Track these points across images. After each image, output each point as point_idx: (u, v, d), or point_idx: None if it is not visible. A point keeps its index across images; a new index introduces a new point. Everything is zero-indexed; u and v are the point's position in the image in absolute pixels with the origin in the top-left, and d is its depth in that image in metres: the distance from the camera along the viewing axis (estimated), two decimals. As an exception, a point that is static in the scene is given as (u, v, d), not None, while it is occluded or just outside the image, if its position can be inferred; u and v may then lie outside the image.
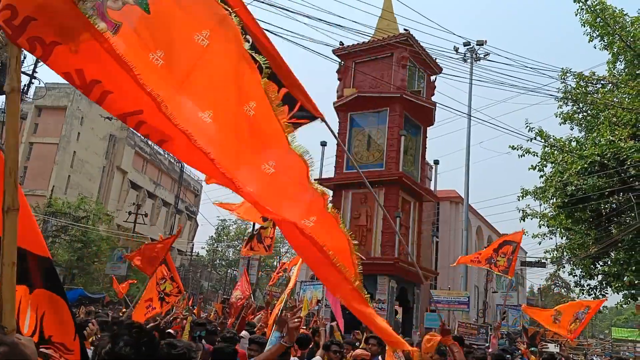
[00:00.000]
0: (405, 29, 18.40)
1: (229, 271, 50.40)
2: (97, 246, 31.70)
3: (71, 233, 30.72)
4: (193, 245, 53.25)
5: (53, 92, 37.02)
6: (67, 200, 32.94)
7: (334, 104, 19.02)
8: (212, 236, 55.81)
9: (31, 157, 39.08)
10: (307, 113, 2.64)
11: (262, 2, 9.29)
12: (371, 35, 18.68)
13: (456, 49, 23.39)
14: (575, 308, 9.63)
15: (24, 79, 11.34)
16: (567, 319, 9.39)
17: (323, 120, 2.69)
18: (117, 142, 44.06)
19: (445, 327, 4.75)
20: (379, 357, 5.55)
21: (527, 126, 16.93)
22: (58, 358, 1.99)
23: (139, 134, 2.39)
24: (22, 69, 7.82)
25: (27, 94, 10.74)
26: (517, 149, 17.02)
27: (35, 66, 10.95)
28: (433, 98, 19.89)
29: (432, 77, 20.13)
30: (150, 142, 51.50)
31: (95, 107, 41.24)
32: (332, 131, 2.92)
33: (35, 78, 12.18)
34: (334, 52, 18.79)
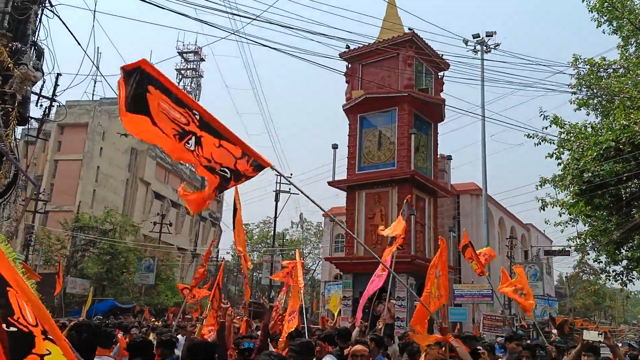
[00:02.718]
0: (410, 29, 18.48)
1: (254, 275, 50.94)
2: (125, 257, 32.42)
3: (99, 246, 31.50)
4: (218, 250, 53.96)
5: (74, 109, 37.96)
6: (93, 215, 33.78)
7: (343, 106, 19.21)
8: (236, 241, 56.31)
9: (57, 175, 40.17)
10: (257, 164, 3.77)
11: (265, 21, 9.56)
12: (376, 37, 18.81)
13: (465, 41, 23.31)
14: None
15: (45, 103, 11.75)
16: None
17: (273, 168, 3.82)
18: (139, 155, 44.96)
19: (442, 326, 4.88)
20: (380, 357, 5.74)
21: (541, 114, 16.87)
22: None
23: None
24: (42, 93, 8.22)
25: (48, 116, 11.20)
26: (533, 138, 16.95)
27: (55, 89, 11.40)
28: (442, 94, 19.93)
29: (440, 73, 20.13)
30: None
31: (116, 122, 42.18)
32: (286, 178, 3.75)
33: (55, 100, 12.66)
34: (340, 55, 18.96)
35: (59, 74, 14.01)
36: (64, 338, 2.00)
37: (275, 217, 36.18)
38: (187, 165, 53.73)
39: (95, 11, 8.27)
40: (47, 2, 7.07)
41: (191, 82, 58.34)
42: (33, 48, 6.71)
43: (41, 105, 10.38)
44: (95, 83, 39.95)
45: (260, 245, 52.95)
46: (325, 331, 7.85)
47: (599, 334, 5.08)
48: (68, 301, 27.59)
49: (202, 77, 58.83)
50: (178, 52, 56.90)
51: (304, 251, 49.65)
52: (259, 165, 3.74)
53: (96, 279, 30.80)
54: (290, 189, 33.67)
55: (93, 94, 40.02)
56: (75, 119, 39.23)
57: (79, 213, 33.74)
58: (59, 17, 7.54)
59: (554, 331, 19.58)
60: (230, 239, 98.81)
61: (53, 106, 13.55)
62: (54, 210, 37.03)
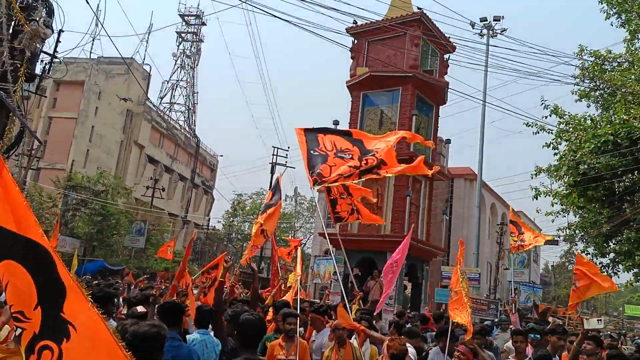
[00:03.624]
0: (418, 8, 18.27)
1: (244, 245, 51.25)
2: (116, 219, 32.45)
3: (91, 206, 31.47)
4: (209, 219, 54.09)
5: (71, 66, 37.34)
6: (86, 175, 33.63)
7: (346, 82, 19.09)
8: (227, 210, 56.62)
9: (50, 132, 39.82)
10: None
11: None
12: (384, 15, 18.59)
13: (472, 24, 23.13)
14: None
15: (45, 59, 11.59)
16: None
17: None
18: (135, 117, 44.57)
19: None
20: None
21: (542, 103, 16.89)
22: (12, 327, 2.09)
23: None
24: (44, 49, 8.12)
25: (49, 73, 11.06)
26: (532, 126, 17.00)
27: (56, 46, 11.22)
28: (446, 77, 19.85)
29: (445, 56, 20.01)
30: (167, 117, 51.97)
31: (113, 82, 41.68)
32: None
33: (56, 57, 12.48)
34: (347, 30, 18.76)
35: (61, 30, 13.78)
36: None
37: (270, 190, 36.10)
38: (181, 130, 53.44)
39: (107, -30, 8.08)
40: (58, -43, 6.93)
41: (191, 46, 57.55)
42: (45, 4, 6.60)
43: (42, 61, 10.24)
44: (93, 41, 39.31)
45: (252, 217, 53.13)
46: (319, 304, 7.99)
47: (598, 320, 5.10)
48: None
49: (203, 41, 58.02)
50: (179, 14, 55.95)
51: (296, 225, 49.88)
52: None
53: (86, 239, 30.85)
54: (286, 162, 33.64)
55: (91, 52, 39.45)
56: (72, 77, 38.68)
57: (71, 172, 33.59)
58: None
59: (536, 317, 19.98)
60: (221, 208, 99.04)
61: (54, 63, 13.37)
62: (46, 168, 36.81)
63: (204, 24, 57.08)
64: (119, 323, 4.38)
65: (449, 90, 19.43)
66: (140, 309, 5.28)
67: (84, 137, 39.99)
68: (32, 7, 6.29)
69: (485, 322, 12.05)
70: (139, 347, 2.41)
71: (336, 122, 18.96)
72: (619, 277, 18.03)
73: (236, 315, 4.61)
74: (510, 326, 13.12)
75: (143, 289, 10.36)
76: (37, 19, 6.29)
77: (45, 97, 30.48)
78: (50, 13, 6.80)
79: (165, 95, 57.86)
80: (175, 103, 58.00)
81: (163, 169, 48.15)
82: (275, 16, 14.15)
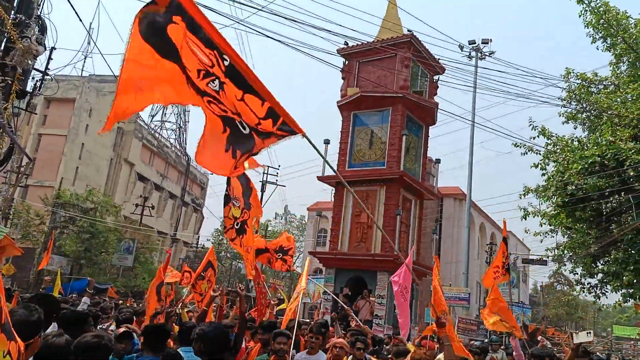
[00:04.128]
0: (408, 30, 18.56)
1: (233, 263, 50.88)
2: (105, 237, 32.12)
3: (79, 224, 31.16)
4: (199, 237, 53.72)
5: (62, 84, 37.20)
6: (75, 192, 33.37)
7: (337, 102, 19.26)
8: (217, 229, 56.26)
9: (40, 149, 39.56)
10: (288, 128, 3.21)
11: (269, 13, 9.55)
12: (375, 36, 18.85)
13: (461, 47, 23.52)
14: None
15: (37, 76, 11.64)
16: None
17: (304, 136, 3.22)
18: (125, 135, 44.46)
19: (440, 321, 4.94)
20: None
21: (530, 124, 17.11)
22: None
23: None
24: (35, 66, 8.14)
25: (40, 90, 11.06)
26: (520, 147, 17.20)
27: (48, 63, 11.24)
28: (436, 98, 20.09)
29: (435, 77, 20.28)
30: (157, 135, 51.91)
31: (104, 100, 41.64)
32: (314, 146, 3.35)
33: (47, 74, 12.50)
34: (338, 51, 18.98)
35: (53, 48, 13.81)
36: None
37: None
38: (172, 148, 53.35)
39: (101, -11, 8.14)
40: (52, -24, 7.00)
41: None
42: (37, 22, 6.63)
43: (33, 78, 10.25)
44: (85, 59, 39.38)
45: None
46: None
47: (587, 333, 5.05)
48: (43, 277, 27.30)
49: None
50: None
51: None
52: (290, 129, 3.21)
53: (74, 257, 30.48)
54: (277, 180, 33.65)
55: (82, 70, 39.46)
56: (63, 94, 38.58)
57: (60, 189, 33.32)
58: (62, -9, 7.43)
59: (525, 338, 19.94)
60: (211, 226, 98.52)
61: (45, 80, 13.38)
62: (34, 185, 36.50)
63: (196, 43, 57.30)
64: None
65: (439, 110, 19.66)
66: (122, 329, 5.18)
67: (74, 155, 39.77)
68: (24, 24, 6.32)
69: (475, 343, 12.02)
70: (81, 357, 2.40)
71: (327, 141, 19.08)
72: (607, 297, 18.11)
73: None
74: (502, 347, 13.10)
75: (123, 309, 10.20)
76: (30, 36, 6.32)
77: (36, 114, 30.37)
78: (43, 30, 6.83)
79: (157, 113, 57.93)
80: (166, 121, 58.04)
81: (153, 186, 47.92)
82: (268, 36, 14.28)
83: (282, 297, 19.42)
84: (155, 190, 48.13)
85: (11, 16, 6.15)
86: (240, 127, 3.27)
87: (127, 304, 19.78)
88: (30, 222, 30.61)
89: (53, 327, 4.76)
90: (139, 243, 35.71)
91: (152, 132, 50.72)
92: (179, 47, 3.06)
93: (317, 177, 19.05)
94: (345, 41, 17.85)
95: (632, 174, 14.32)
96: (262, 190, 32.72)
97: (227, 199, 6.44)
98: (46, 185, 36.02)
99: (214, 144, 3.35)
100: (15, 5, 6.36)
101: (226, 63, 3.09)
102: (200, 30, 3.04)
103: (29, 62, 6.37)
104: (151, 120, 56.28)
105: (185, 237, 50.94)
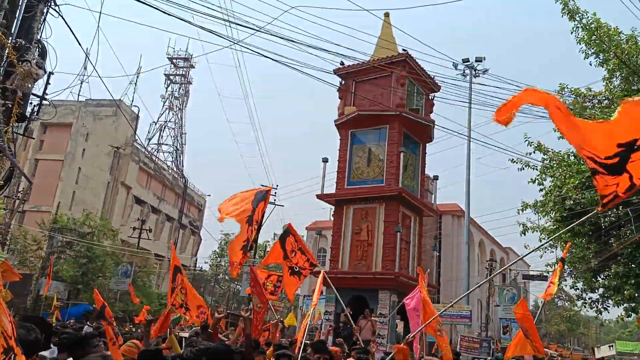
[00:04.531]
0: (404, 49, 18.79)
1: (231, 285, 50.51)
2: (102, 262, 31.89)
3: (76, 249, 30.96)
4: (196, 260, 53.42)
5: (59, 109, 37.37)
6: (72, 217, 33.23)
7: (335, 121, 19.37)
8: (215, 251, 55.99)
9: (36, 174, 39.49)
10: None
11: (267, 33, 9.66)
12: (371, 55, 19.05)
13: (455, 65, 23.76)
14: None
15: (35, 100, 11.68)
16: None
17: None
18: (122, 158, 44.49)
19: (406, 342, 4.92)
20: None
21: (526, 140, 17.18)
22: None
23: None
24: (33, 91, 8.19)
25: (37, 115, 11.08)
26: (517, 162, 17.23)
27: (46, 88, 11.30)
28: (432, 115, 20.25)
29: (431, 95, 20.47)
30: (154, 157, 51.97)
31: (101, 124, 41.76)
32: None
33: (45, 99, 12.55)
34: (334, 71, 19.17)
35: (50, 73, 13.87)
36: None
37: (259, 229, 35.91)
38: (169, 171, 53.37)
39: (100, 13, 8.25)
40: (52, 1, 7.07)
41: (179, 88, 58.11)
42: (37, 46, 6.68)
43: (31, 103, 10.27)
44: (82, 84, 39.56)
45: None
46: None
47: (609, 346, 4.81)
48: (41, 303, 27.01)
49: (191, 83, 58.65)
50: (168, 58, 56.71)
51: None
52: None
53: (71, 282, 30.20)
54: (275, 200, 33.58)
55: (79, 95, 39.62)
56: (60, 119, 38.66)
57: (57, 214, 33.18)
58: (62, 17, 7.53)
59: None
60: (209, 248, 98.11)
61: (43, 105, 13.41)
62: (31, 210, 36.35)
63: (192, 66, 57.88)
64: None
65: (435, 127, 19.79)
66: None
67: (71, 179, 39.72)
68: (25, 47, 6.37)
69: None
70: None
71: (325, 160, 19.16)
72: (609, 312, 18.01)
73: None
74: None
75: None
76: (30, 59, 6.36)
77: (33, 138, 30.40)
78: (43, 54, 6.88)
79: (154, 136, 58.07)
80: (163, 144, 58.15)
81: (150, 209, 47.78)
82: (265, 56, 14.43)
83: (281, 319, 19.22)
84: (152, 213, 47.98)
85: (12, 40, 6.20)
86: None
87: (126, 329, 19.58)
88: (28, 247, 30.39)
89: (52, 351, 4.70)
90: (137, 267, 35.45)
91: (149, 155, 50.78)
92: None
93: (317, 195, 19.07)
94: (341, 61, 18.03)
95: (629, 186, 14.36)
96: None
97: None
98: (43, 210, 35.88)
99: None
100: (15, 29, 6.42)
101: None
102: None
103: (29, 85, 6.40)
104: (148, 143, 56.42)
105: (183, 259, 50.63)
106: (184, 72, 57.91)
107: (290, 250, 7.50)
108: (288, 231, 7.47)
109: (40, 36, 6.86)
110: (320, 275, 6.49)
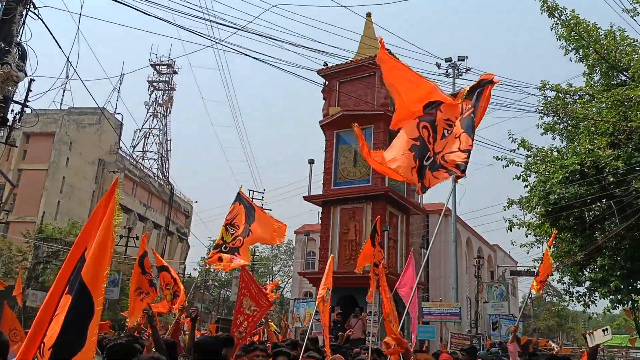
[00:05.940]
0: (387, 49, 18.86)
1: (221, 292, 50.22)
2: (89, 271, 31.52)
3: (62, 258, 30.59)
4: (185, 266, 53.03)
5: (41, 118, 36.97)
6: (57, 226, 32.87)
7: (320, 122, 19.41)
8: (203, 257, 55.56)
9: (20, 184, 38.99)
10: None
11: (248, 32, 9.67)
12: (354, 55, 19.12)
13: (438, 65, 23.88)
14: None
15: (16, 108, 11.52)
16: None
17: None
18: (107, 166, 44.12)
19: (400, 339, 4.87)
20: None
21: (510, 137, 17.35)
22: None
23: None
24: (14, 98, 8.11)
25: (19, 122, 10.95)
26: (501, 160, 17.38)
27: (27, 95, 11.18)
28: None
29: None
30: (140, 165, 51.56)
31: (84, 133, 41.37)
32: None
33: (27, 106, 12.41)
34: (318, 72, 19.21)
35: (32, 79, 13.73)
36: None
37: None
38: (155, 177, 53.00)
39: (80, 14, 8.20)
40: (31, 3, 7.01)
41: (163, 95, 57.80)
42: (17, 48, 6.62)
43: (12, 111, 10.14)
44: (64, 92, 39.22)
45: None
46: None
47: (604, 330, 4.40)
48: (28, 315, 26.63)
49: (175, 89, 58.36)
50: (151, 64, 56.39)
51: (274, 269, 49.21)
52: None
53: (58, 292, 29.83)
54: (262, 205, 33.50)
55: (61, 103, 39.27)
56: (42, 128, 38.31)
57: (42, 224, 32.80)
58: (41, 19, 7.47)
59: (518, 350, 19.91)
60: (198, 254, 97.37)
61: (24, 112, 13.24)
62: (15, 221, 35.87)
63: (175, 72, 57.60)
64: None
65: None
66: None
67: (55, 189, 39.30)
68: (4, 50, 6.30)
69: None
70: None
71: (311, 161, 19.16)
72: (596, 305, 18.22)
73: None
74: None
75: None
76: (10, 62, 6.30)
77: (16, 147, 30.04)
78: (23, 57, 6.82)
79: (138, 143, 57.65)
80: (148, 151, 57.75)
81: (137, 217, 47.40)
82: (248, 55, 14.43)
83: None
84: (139, 221, 47.59)
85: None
86: None
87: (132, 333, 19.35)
88: (12, 258, 29.99)
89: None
90: (124, 275, 35.10)
91: (134, 162, 50.38)
92: None
93: (304, 197, 19.07)
94: (325, 62, 18.07)
95: (612, 180, 14.54)
96: (248, 215, 32.47)
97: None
98: (27, 221, 35.45)
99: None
100: (-6, 32, 6.36)
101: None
102: None
103: (10, 88, 6.33)
104: (132, 151, 55.99)
105: (171, 266, 50.24)
106: (167, 79, 57.63)
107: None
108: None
109: (20, 39, 6.80)
110: (329, 260, 6.50)
